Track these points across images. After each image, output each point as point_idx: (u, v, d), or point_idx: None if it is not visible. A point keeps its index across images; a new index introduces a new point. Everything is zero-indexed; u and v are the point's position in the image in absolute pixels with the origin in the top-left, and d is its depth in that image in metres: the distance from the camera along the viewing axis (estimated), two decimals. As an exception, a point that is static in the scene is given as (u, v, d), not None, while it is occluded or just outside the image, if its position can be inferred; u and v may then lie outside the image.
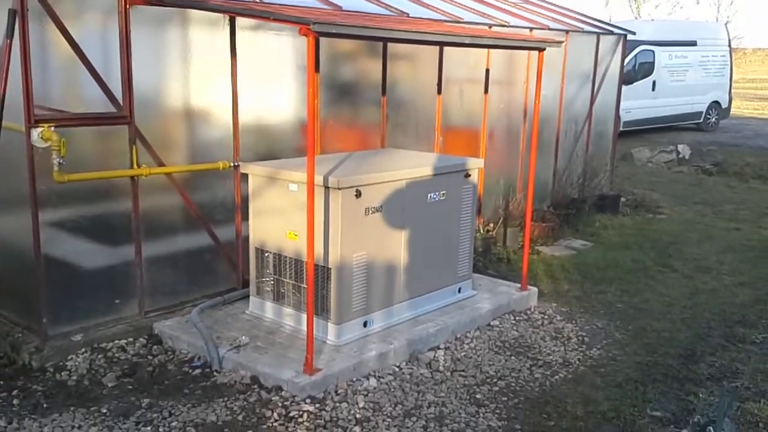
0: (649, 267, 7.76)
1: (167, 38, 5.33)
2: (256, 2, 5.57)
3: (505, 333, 5.82)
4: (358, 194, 5.06)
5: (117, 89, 5.04)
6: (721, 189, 12.75)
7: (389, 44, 6.85)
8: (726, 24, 24.47)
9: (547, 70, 6.98)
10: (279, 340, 5.21)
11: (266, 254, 5.47)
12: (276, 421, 4.32)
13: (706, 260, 8.09)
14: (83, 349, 5.05)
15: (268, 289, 5.52)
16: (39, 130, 4.63)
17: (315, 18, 4.35)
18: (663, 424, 4.49)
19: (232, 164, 5.76)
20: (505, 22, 8.19)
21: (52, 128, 4.65)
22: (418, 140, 7.44)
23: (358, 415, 4.43)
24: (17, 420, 4.27)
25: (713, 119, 21.07)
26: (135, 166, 5.19)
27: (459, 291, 6.14)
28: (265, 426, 4.27)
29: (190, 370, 4.94)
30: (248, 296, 5.72)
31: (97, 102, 4.99)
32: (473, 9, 8.18)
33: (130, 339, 5.27)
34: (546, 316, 6.21)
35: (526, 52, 8.28)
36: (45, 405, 4.46)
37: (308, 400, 4.53)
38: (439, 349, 5.43)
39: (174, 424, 4.26)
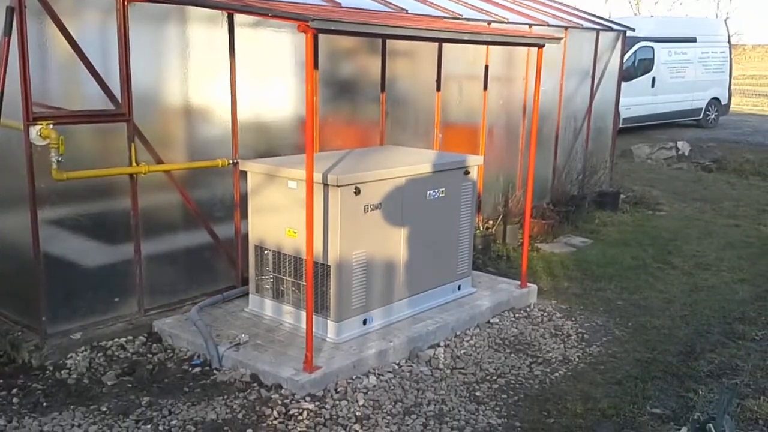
0: (649, 264, 7.76)
1: (166, 35, 5.32)
2: (255, -1, 5.56)
3: (505, 330, 5.82)
4: (357, 191, 5.05)
5: (115, 87, 5.03)
6: (721, 186, 12.75)
7: (388, 41, 6.83)
8: (725, 20, 24.44)
9: (546, 67, 6.97)
10: (278, 337, 5.20)
11: (265, 252, 5.46)
12: (276, 419, 4.32)
13: (705, 257, 8.09)
14: (83, 348, 5.04)
15: (267, 286, 5.52)
16: (38, 127, 4.62)
17: (314, 14, 4.34)
18: (663, 421, 4.49)
19: (231, 162, 5.76)
20: (505, 18, 8.18)
21: (51, 126, 4.64)
22: (417, 137, 7.43)
23: (357, 413, 4.43)
24: (17, 418, 4.27)
25: (713, 116, 21.07)
26: (134, 163, 5.18)
27: (458, 288, 6.14)
28: (264, 424, 4.27)
29: (190, 369, 4.94)
30: (248, 294, 5.72)
31: (95, 99, 4.98)
32: (472, 5, 8.17)
33: (130, 337, 5.27)
34: (546, 314, 6.21)
35: (525, 48, 8.26)
36: (45, 403, 4.45)
37: (308, 398, 4.53)
38: (438, 346, 5.43)
39: (174, 422, 4.26)
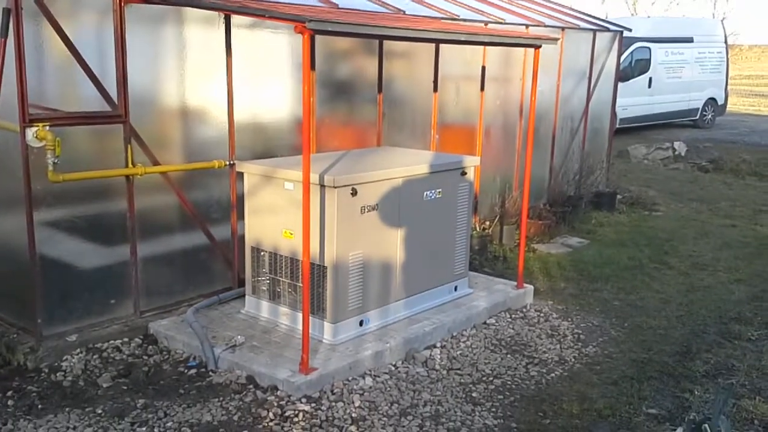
0: (645, 264, 7.77)
1: (162, 37, 5.31)
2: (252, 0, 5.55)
3: (501, 331, 5.83)
4: (354, 192, 5.05)
5: (112, 88, 5.03)
6: (717, 186, 12.77)
7: (385, 42, 6.84)
8: (722, 20, 24.44)
9: (543, 67, 6.99)
10: (275, 339, 5.20)
11: (262, 253, 5.46)
12: (272, 420, 4.31)
13: (701, 257, 8.10)
14: (78, 350, 5.03)
15: (263, 288, 5.52)
16: (34, 129, 4.61)
17: (311, 15, 4.33)
18: (658, 422, 4.49)
19: (227, 163, 5.75)
20: (501, 19, 8.19)
21: (47, 127, 4.63)
22: (414, 138, 7.43)
23: (354, 415, 4.43)
24: (12, 421, 4.26)
25: (709, 116, 21.11)
26: (130, 165, 5.17)
27: (455, 289, 6.14)
28: (260, 426, 4.27)
29: (186, 370, 4.93)
30: (244, 295, 5.71)
31: (92, 101, 4.97)
32: (469, 6, 8.17)
33: (126, 339, 5.26)
34: (542, 314, 6.22)
35: (522, 49, 8.27)
36: (40, 406, 4.45)
37: (304, 400, 4.53)
38: (435, 347, 5.43)
39: (169, 424, 4.25)
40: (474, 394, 4.78)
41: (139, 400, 4.51)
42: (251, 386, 4.68)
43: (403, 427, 4.34)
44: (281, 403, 4.49)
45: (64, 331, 5.07)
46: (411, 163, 5.70)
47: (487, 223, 8.24)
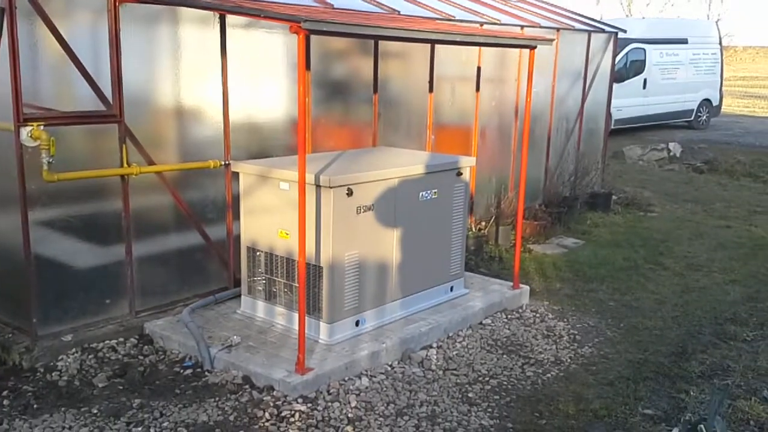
0: (641, 265, 7.78)
1: (157, 36, 5.30)
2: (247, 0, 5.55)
3: (497, 331, 5.83)
4: (350, 193, 5.04)
5: (107, 88, 5.02)
6: (712, 187, 12.80)
7: (381, 42, 6.83)
8: (717, 22, 24.54)
9: (538, 68, 6.99)
10: (271, 339, 5.19)
11: (258, 253, 5.45)
12: (267, 421, 4.30)
13: (696, 258, 8.12)
14: (73, 350, 5.02)
15: (259, 288, 5.51)
16: (28, 128, 4.60)
17: (306, 15, 4.33)
18: (654, 422, 4.50)
19: (223, 163, 5.74)
20: (497, 20, 8.19)
21: (42, 127, 4.62)
22: (409, 138, 7.43)
23: (350, 415, 4.42)
24: (7, 421, 4.24)
25: (704, 117, 21.16)
26: (125, 165, 5.16)
27: (451, 290, 6.14)
28: (256, 426, 4.26)
29: (182, 370, 4.92)
30: (240, 295, 5.70)
31: (86, 100, 4.96)
32: (465, 7, 8.18)
33: (121, 339, 5.25)
34: (538, 315, 6.22)
35: (517, 50, 8.27)
36: (35, 405, 4.43)
37: (300, 400, 4.52)
38: (431, 347, 5.43)
39: (165, 424, 4.24)
40: (470, 395, 4.78)
41: (134, 400, 4.50)
42: (247, 386, 4.67)
43: (400, 427, 4.33)
44: (277, 403, 4.48)
45: (60, 330, 5.05)
46: (407, 163, 5.70)
47: (483, 223, 8.24)
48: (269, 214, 5.30)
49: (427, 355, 5.28)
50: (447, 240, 6.02)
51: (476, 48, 7.81)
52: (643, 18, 25.49)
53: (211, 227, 5.83)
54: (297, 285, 5.06)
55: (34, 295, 4.91)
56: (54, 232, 4.97)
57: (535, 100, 8.54)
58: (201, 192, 5.76)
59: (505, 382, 4.98)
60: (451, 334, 5.67)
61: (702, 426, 3.66)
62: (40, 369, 4.83)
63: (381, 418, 4.41)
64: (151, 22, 5.25)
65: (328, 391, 4.66)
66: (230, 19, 5.58)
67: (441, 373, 5.07)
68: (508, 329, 5.88)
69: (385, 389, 4.77)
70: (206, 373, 4.86)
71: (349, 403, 4.55)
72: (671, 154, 15.25)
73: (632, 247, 8.45)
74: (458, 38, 5.78)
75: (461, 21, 7.63)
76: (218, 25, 5.56)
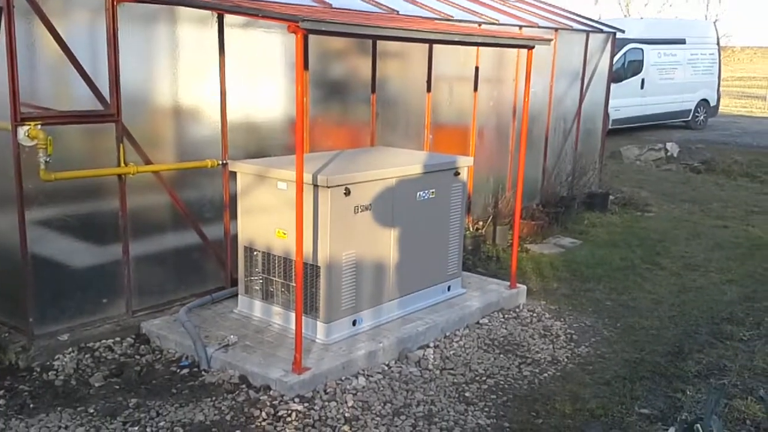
0: (638, 265, 7.79)
1: (155, 36, 5.30)
2: None
3: (494, 331, 5.83)
4: (347, 192, 5.05)
5: (104, 87, 5.01)
6: (709, 187, 12.82)
7: (379, 42, 6.84)
8: (715, 22, 24.58)
9: (536, 68, 7.00)
10: (268, 339, 5.19)
11: (255, 253, 5.45)
12: (264, 420, 4.31)
13: (693, 258, 8.13)
14: (70, 349, 5.02)
15: (256, 287, 5.51)
16: (25, 128, 4.60)
17: (304, 15, 4.33)
18: (651, 422, 4.50)
19: (220, 162, 5.74)
20: (495, 19, 8.20)
21: (39, 126, 4.62)
22: (407, 138, 7.44)
23: (347, 414, 4.43)
24: (3, 420, 4.24)
25: (702, 117, 21.19)
26: (122, 164, 5.16)
27: (448, 289, 6.14)
28: (253, 425, 4.26)
29: (178, 370, 4.92)
30: (237, 295, 5.70)
31: (84, 100, 4.96)
32: (463, 6, 8.18)
33: (118, 338, 5.25)
34: (535, 314, 6.23)
35: (515, 50, 8.28)
36: (32, 405, 4.43)
37: (297, 399, 4.52)
38: (428, 347, 5.43)
39: (161, 424, 4.24)
40: (467, 394, 4.78)
41: (131, 400, 4.50)
42: (244, 386, 4.67)
43: (396, 426, 4.33)
44: (274, 402, 4.48)
45: (56, 330, 5.05)
46: (404, 163, 5.70)
47: (481, 223, 8.25)
48: (267, 214, 5.30)
49: (424, 355, 5.29)
50: (444, 240, 6.02)
51: (474, 48, 7.81)
52: (641, 18, 25.49)
53: (208, 227, 5.83)
54: (294, 284, 5.06)
55: (31, 294, 4.90)
56: (51, 231, 4.97)
57: (533, 100, 8.54)
58: (198, 191, 5.76)
59: (502, 382, 4.98)
60: (448, 334, 5.67)
61: (698, 425, 3.67)
62: (37, 368, 4.83)
63: (378, 418, 4.41)
64: (149, 22, 5.24)
65: (325, 391, 4.66)
66: (228, 18, 5.58)
67: (438, 372, 5.07)
68: (505, 329, 5.89)
69: (382, 389, 4.78)
70: (203, 372, 4.86)
71: (346, 402, 4.55)
72: (669, 154, 15.27)
73: (629, 246, 8.46)
74: (456, 38, 5.78)
75: (460, 21, 7.63)
76: (216, 24, 5.56)
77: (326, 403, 4.52)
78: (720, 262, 7.98)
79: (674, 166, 14.61)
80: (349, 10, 6.38)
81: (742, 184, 13.23)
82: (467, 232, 7.44)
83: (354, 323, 5.31)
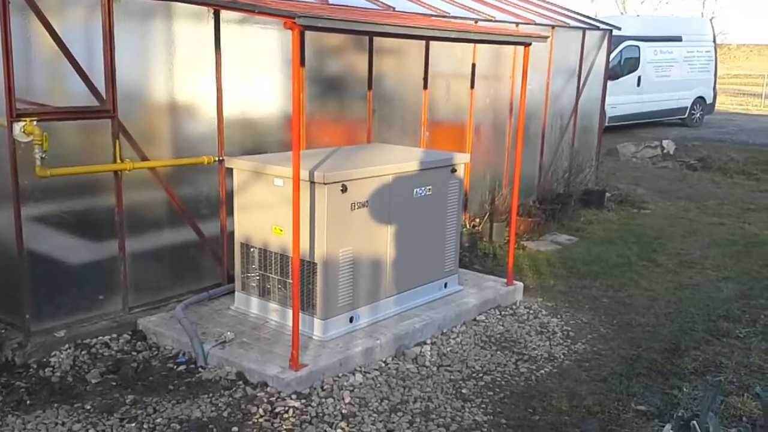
0: (634, 262, 7.80)
1: (151, 32, 5.28)
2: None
3: (491, 328, 5.84)
4: (344, 189, 5.04)
5: (100, 83, 5.00)
6: (705, 184, 12.84)
7: (375, 38, 6.83)
8: (711, 20, 24.58)
9: (533, 65, 6.99)
10: (264, 335, 5.19)
11: (251, 249, 5.44)
12: (261, 417, 4.30)
13: (690, 255, 8.14)
14: (66, 345, 5.01)
15: (253, 284, 5.50)
16: (21, 124, 4.58)
17: (300, 11, 4.32)
18: (647, 418, 4.51)
19: (216, 159, 5.73)
20: (492, 16, 8.19)
21: (35, 122, 4.60)
22: (404, 135, 7.43)
23: (344, 411, 4.42)
24: (0, 417, 4.23)
25: (698, 115, 21.22)
26: (118, 160, 5.15)
27: (445, 286, 6.14)
28: (250, 422, 4.26)
29: (175, 366, 4.91)
30: (233, 292, 5.70)
31: (80, 96, 4.94)
32: (459, 3, 8.17)
33: (114, 335, 5.24)
34: (531, 311, 6.23)
35: (512, 47, 8.28)
36: (28, 401, 4.42)
37: (294, 396, 4.52)
38: (425, 344, 5.43)
39: (158, 420, 4.24)
40: (464, 391, 4.78)
41: (128, 396, 4.49)
42: (241, 382, 4.67)
43: (393, 423, 4.33)
44: (271, 399, 4.48)
45: (53, 326, 5.04)
46: (401, 159, 5.70)
47: (477, 220, 8.25)
48: (263, 211, 5.29)
49: (421, 352, 5.29)
50: (441, 236, 6.02)
51: (471, 45, 7.81)
52: (638, 16, 25.54)
53: (204, 223, 5.82)
54: (291, 281, 5.06)
55: (27, 290, 4.89)
56: (47, 227, 4.95)
57: (530, 97, 8.55)
58: (195, 188, 5.75)
59: (498, 379, 4.99)
60: (445, 331, 5.68)
61: (695, 422, 3.66)
62: (33, 365, 4.82)
63: (375, 414, 4.41)
64: (145, 18, 5.23)
65: (322, 387, 4.66)
66: (224, 14, 5.56)
67: (435, 369, 5.07)
68: (502, 326, 5.89)
69: (379, 385, 4.78)
70: (200, 369, 4.85)
71: (343, 399, 4.55)
72: (665, 151, 15.28)
73: (626, 244, 8.46)
74: (453, 35, 5.77)
75: (456, 18, 7.62)
76: (212, 20, 5.54)
77: (323, 400, 4.52)
78: (716, 260, 7.99)
79: (670, 164, 14.63)
80: (346, 6, 6.37)
81: (738, 181, 13.25)
82: (464, 229, 7.44)
83: (351, 320, 5.31)
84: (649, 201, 10.94)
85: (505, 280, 6.51)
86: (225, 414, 4.33)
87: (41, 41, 4.71)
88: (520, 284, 6.57)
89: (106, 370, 4.81)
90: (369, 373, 4.92)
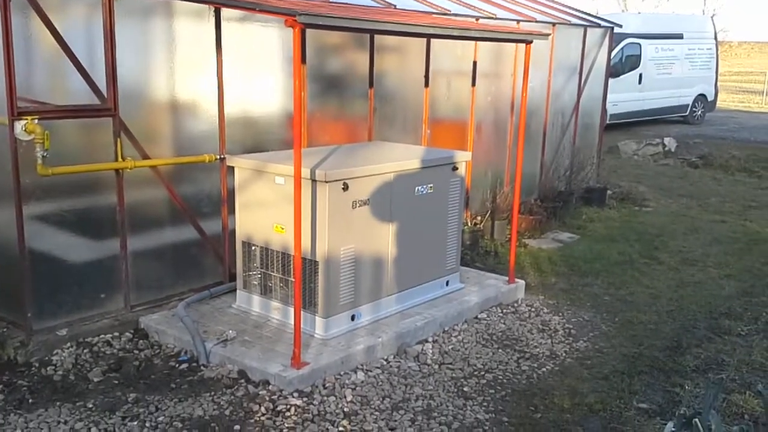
0: (636, 259, 7.79)
1: (152, 30, 5.28)
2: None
3: (493, 326, 5.83)
4: (346, 187, 5.04)
5: (101, 81, 5.00)
6: (707, 182, 12.82)
7: (377, 36, 6.82)
8: (712, 17, 24.57)
9: (534, 63, 6.99)
10: (266, 334, 5.19)
11: (253, 248, 5.44)
12: (263, 415, 4.31)
13: (691, 253, 8.14)
14: (68, 344, 5.01)
15: (255, 282, 5.50)
16: (23, 122, 4.58)
17: (301, 9, 4.32)
18: (649, 416, 4.51)
19: (218, 157, 5.73)
20: (493, 14, 8.18)
21: (36, 121, 4.60)
22: (405, 133, 7.43)
23: (345, 409, 4.43)
24: (2, 415, 4.23)
25: (699, 112, 21.19)
26: (120, 159, 5.15)
27: (447, 284, 6.14)
28: (252, 420, 4.26)
29: (177, 365, 4.92)
30: (235, 290, 5.70)
31: (81, 94, 4.94)
32: (461, 1, 8.16)
33: (116, 333, 5.24)
34: (533, 309, 6.23)
35: (513, 44, 8.27)
36: (30, 400, 4.42)
37: (296, 394, 4.52)
38: (426, 342, 5.43)
39: (160, 418, 4.24)
40: (465, 389, 4.78)
41: (130, 395, 4.49)
42: (243, 381, 4.67)
43: (395, 421, 4.34)
44: (273, 397, 4.48)
45: (55, 325, 5.04)
46: (402, 157, 5.70)
47: (479, 218, 8.24)
48: (265, 209, 5.29)
49: (422, 350, 5.29)
50: (443, 234, 6.02)
51: (472, 43, 7.80)
52: (639, 13, 25.49)
53: (206, 221, 5.81)
54: (293, 279, 5.06)
55: (29, 289, 4.89)
56: (48, 226, 4.95)
57: (531, 94, 8.54)
58: (196, 186, 5.75)
59: (500, 377, 4.98)
60: (446, 329, 5.68)
61: (697, 420, 3.66)
62: (35, 363, 4.82)
63: (377, 413, 4.41)
64: (146, 16, 5.22)
65: (323, 386, 4.66)
66: (225, 12, 5.56)
67: (436, 367, 5.07)
68: (504, 323, 5.89)
69: (380, 383, 4.78)
70: (202, 367, 4.86)
71: (345, 397, 4.55)
72: (666, 149, 15.27)
73: (627, 241, 8.46)
74: (454, 33, 5.76)
75: (457, 15, 7.61)
76: (213, 18, 5.54)
77: (325, 398, 4.52)
78: (718, 257, 7.98)
79: (672, 161, 14.62)
80: (347, 4, 6.37)
81: (740, 179, 13.24)
82: (465, 227, 7.44)
83: (352, 318, 5.31)
84: (651, 198, 10.93)
85: (507, 278, 6.51)
86: (227, 412, 4.33)
87: (42, 39, 4.71)
88: (522, 282, 6.57)
89: (108, 369, 4.81)
90: (371, 371, 4.93)
